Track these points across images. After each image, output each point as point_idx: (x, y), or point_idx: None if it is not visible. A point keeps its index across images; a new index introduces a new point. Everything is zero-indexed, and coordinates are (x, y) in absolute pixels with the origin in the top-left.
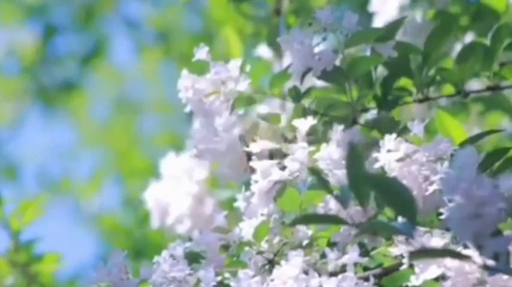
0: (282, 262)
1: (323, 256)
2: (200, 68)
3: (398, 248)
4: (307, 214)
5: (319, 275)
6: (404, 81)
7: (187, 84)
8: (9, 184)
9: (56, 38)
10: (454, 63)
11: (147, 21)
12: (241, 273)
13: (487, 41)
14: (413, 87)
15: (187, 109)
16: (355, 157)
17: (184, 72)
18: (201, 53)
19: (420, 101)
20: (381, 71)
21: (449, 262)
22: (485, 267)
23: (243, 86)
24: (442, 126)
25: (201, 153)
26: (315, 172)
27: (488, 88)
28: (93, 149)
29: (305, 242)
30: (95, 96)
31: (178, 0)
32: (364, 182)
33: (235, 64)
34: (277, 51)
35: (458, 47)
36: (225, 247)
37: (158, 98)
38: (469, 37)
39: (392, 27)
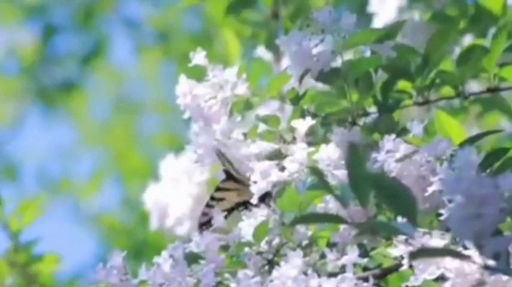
0: (282, 263)
1: (322, 256)
2: (199, 71)
3: (398, 249)
4: (306, 213)
5: (319, 275)
6: (403, 84)
7: (185, 90)
8: (9, 184)
9: (56, 38)
10: (454, 66)
11: (147, 21)
12: (240, 274)
13: (486, 43)
14: (413, 90)
15: (186, 115)
16: (356, 156)
17: (182, 77)
18: (199, 57)
19: (420, 104)
20: (380, 74)
21: (448, 262)
22: (486, 267)
23: (241, 89)
24: (442, 127)
25: (201, 158)
26: (315, 171)
27: (488, 90)
28: (93, 149)
29: (304, 242)
30: (95, 96)
31: (178, 0)
32: (365, 182)
33: (233, 68)
34: (276, 54)
35: (457, 50)
36: (225, 248)
37: (158, 98)
38: (468, 39)
39: (392, 29)
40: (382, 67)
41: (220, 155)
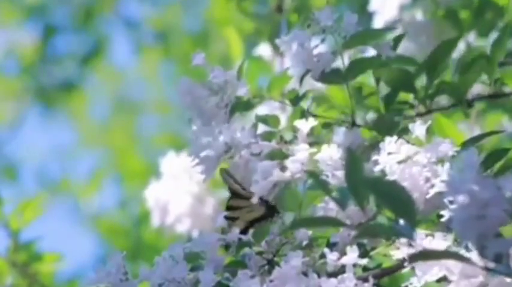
0: (282, 263)
1: (322, 256)
2: (199, 71)
3: (400, 252)
4: (306, 217)
5: (319, 276)
6: (405, 94)
7: (185, 90)
8: (9, 184)
9: (56, 38)
10: (455, 76)
11: (146, 21)
12: (240, 273)
13: (490, 39)
14: (415, 100)
15: (188, 116)
16: (354, 160)
17: (183, 78)
18: (199, 58)
19: (422, 114)
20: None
21: (452, 265)
22: (486, 269)
23: (242, 91)
24: (441, 129)
25: (201, 161)
26: (312, 174)
27: (489, 96)
28: (93, 149)
29: (304, 242)
30: (95, 96)
31: (178, 0)
32: (363, 185)
33: (233, 69)
34: (279, 49)
35: (461, 46)
36: (225, 247)
37: (158, 98)
38: (472, 36)
39: (394, 39)
40: (385, 81)
41: (226, 175)
